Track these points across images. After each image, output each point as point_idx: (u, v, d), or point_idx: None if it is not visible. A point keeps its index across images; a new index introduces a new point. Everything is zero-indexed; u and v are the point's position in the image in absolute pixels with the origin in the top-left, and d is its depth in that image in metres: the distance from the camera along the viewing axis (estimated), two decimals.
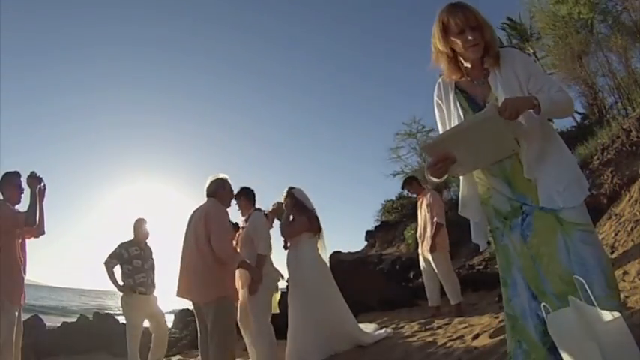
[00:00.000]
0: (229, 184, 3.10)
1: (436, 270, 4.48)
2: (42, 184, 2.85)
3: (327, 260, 3.94)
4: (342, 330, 3.53)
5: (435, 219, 4.42)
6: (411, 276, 6.48)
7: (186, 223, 3.04)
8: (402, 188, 4.89)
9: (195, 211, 2.99)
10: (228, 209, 3.10)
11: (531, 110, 1.30)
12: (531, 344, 1.36)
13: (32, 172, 2.86)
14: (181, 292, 2.93)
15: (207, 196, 3.02)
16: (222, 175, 3.09)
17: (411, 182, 4.83)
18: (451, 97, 1.49)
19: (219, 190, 3.02)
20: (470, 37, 1.35)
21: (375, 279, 6.26)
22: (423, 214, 4.70)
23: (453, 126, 1.47)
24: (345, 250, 7.83)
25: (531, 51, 16.76)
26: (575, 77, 12.75)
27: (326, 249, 3.90)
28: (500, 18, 17.78)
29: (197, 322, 2.94)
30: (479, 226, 1.51)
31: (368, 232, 14.17)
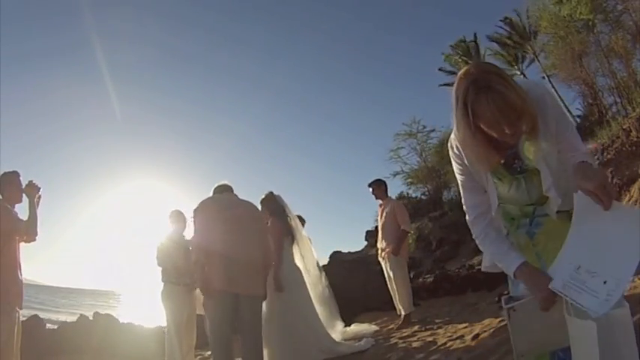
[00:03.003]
0: None
1: (392, 276, 4.46)
2: (39, 193, 2.85)
3: (312, 265, 3.96)
4: (314, 340, 3.48)
5: (401, 226, 4.48)
6: (411, 276, 6.48)
7: (232, 209, 2.97)
8: (369, 186, 4.75)
9: (242, 204, 3.05)
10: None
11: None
12: None
13: (30, 181, 2.85)
14: (228, 284, 2.78)
15: (230, 191, 3.14)
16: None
17: (380, 186, 4.74)
18: (483, 176, 1.32)
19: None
20: (508, 132, 1.09)
21: (375, 279, 6.25)
22: (382, 221, 4.67)
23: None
24: (345, 250, 7.85)
25: (531, 51, 16.78)
26: (576, 77, 12.76)
27: (305, 256, 3.90)
28: (500, 17, 17.84)
29: (219, 315, 2.79)
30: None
31: (368, 232, 14.18)
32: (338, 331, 4.12)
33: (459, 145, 1.29)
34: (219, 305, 2.81)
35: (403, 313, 4.40)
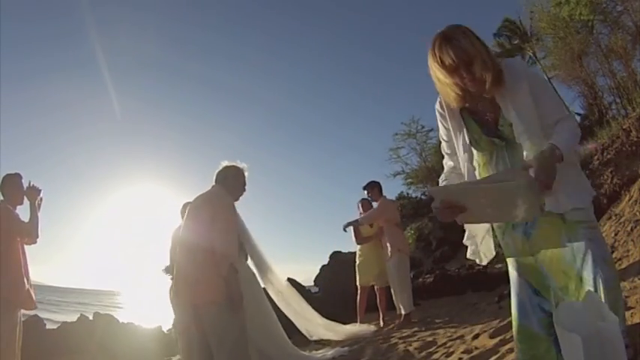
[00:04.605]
0: (244, 176, 2.68)
1: (393, 274, 4.45)
2: (40, 196, 2.85)
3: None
4: (272, 349, 3.22)
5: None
6: (411, 276, 6.48)
7: (185, 210, 2.61)
8: (364, 189, 4.87)
9: (196, 198, 2.53)
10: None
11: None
12: (532, 340, 1.37)
13: (30, 183, 2.85)
14: (178, 293, 2.45)
15: (216, 182, 2.60)
16: (240, 164, 2.67)
17: (373, 187, 4.83)
18: (456, 121, 1.45)
19: (228, 178, 2.58)
20: (465, 74, 1.30)
21: None
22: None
23: (461, 156, 1.45)
24: (345, 250, 7.82)
25: (531, 52, 16.78)
26: (575, 77, 12.77)
27: (271, 280, 3.62)
28: (500, 19, 17.84)
29: (188, 332, 2.48)
30: (475, 248, 1.56)
31: None
32: (322, 325, 4.04)
33: (442, 101, 1.46)
34: (180, 318, 2.42)
35: (403, 312, 4.40)
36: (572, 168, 1.38)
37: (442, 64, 1.31)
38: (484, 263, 1.59)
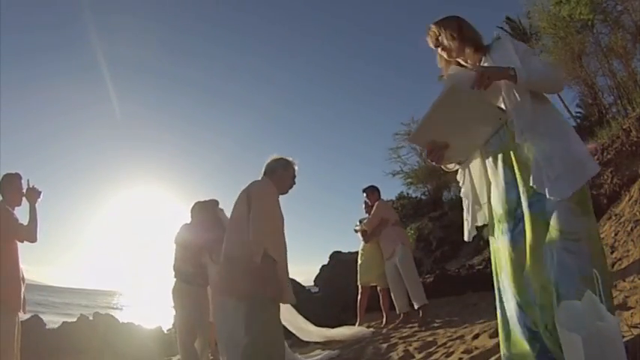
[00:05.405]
0: (294, 169, 2.57)
1: (400, 267, 4.40)
2: (40, 198, 2.84)
3: None
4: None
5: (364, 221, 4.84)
6: None
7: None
8: (363, 191, 4.99)
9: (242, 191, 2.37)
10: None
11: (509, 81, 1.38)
12: (520, 351, 1.36)
13: (29, 183, 2.83)
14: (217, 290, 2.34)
15: (264, 174, 2.50)
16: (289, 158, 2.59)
17: (373, 191, 4.92)
18: None
19: (278, 170, 2.47)
20: (452, 46, 1.65)
21: None
22: None
23: None
24: (345, 250, 7.83)
25: None
26: (575, 77, 12.76)
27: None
28: (501, 18, 17.84)
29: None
30: (471, 222, 1.57)
31: None
32: (314, 332, 4.04)
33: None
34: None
35: (416, 306, 4.33)
36: (564, 148, 1.32)
37: (438, 42, 1.69)
38: (466, 239, 1.64)
